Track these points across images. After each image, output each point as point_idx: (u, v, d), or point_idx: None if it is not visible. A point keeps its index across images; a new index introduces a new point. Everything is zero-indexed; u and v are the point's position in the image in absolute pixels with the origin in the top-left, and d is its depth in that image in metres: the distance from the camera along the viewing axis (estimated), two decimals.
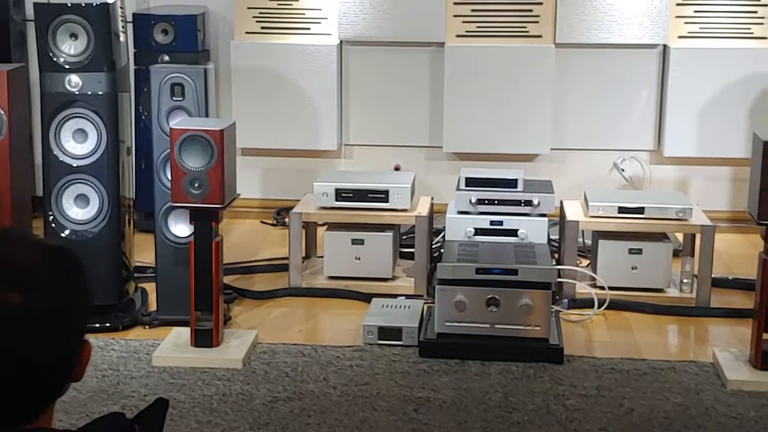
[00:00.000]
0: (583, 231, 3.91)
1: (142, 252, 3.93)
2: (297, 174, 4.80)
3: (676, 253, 3.89)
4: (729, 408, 2.89)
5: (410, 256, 3.96)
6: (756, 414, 2.85)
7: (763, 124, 4.48)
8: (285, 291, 3.86)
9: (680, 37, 4.62)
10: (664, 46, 4.65)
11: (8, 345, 1.13)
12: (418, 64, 4.79)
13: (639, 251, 3.75)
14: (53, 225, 3.43)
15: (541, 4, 4.62)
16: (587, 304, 3.65)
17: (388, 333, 3.33)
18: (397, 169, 4.83)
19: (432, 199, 4.11)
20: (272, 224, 4.82)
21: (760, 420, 2.81)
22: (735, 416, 2.84)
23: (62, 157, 3.41)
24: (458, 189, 3.86)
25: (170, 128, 3.18)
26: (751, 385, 3.01)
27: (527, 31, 4.65)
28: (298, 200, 4.09)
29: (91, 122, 3.40)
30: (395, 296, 3.72)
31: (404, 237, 4.20)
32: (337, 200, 3.89)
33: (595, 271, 3.79)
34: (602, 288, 3.67)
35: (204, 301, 3.17)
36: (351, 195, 3.89)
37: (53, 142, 3.41)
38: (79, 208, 3.44)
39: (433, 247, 4.06)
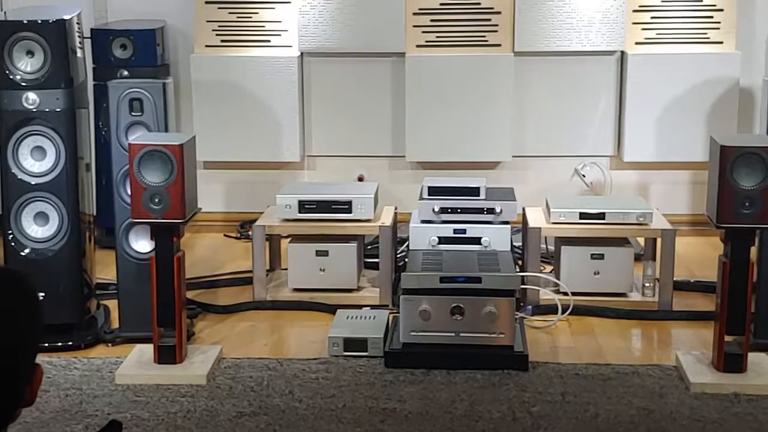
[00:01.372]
0: (545, 237, 3.93)
1: (104, 269, 3.89)
2: (260, 186, 4.79)
3: (637, 258, 3.93)
4: (693, 411, 2.91)
5: (375, 266, 3.96)
6: (719, 416, 2.88)
7: (721, 128, 4.54)
8: (249, 304, 3.85)
9: (637, 43, 4.68)
10: (622, 52, 4.70)
11: None
12: (379, 74, 4.80)
13: (601, 256, 3.78)
14: (13, 243, 3.39)
15: (499, 13, 4.65)
16: (551, 310, 3.67)
17: (354, 344, 3.33)
18: (360, 179, 4.83)
19: (396, 208, 4.12)
20: (236, 237, 4.80)
21: (724, 422, 2.84)
22: (698, 419, 2.86)
23: (21, 175, 3.38)
24: (421, 198, 3.87)
25: (129, 143, 3.15)
26: (714, 387, 3.04)
27: (486, 40, 4.68)
28: (262, 213, 4.08)
29: (50, 139, 3.36)
30: (360, 307, 3.72)
31: (369, 247, 4.20)
32: (300, 212, 3.88)
33: (558, 277, 3.81)
34: (566, 294, 3.70)
35: (166, 317, 3.15)
36: (314, 206, 3.88)
37: (11, 160, 3.37)
38: (39, 226, 3.40)
39: (398, 256, 4.07)
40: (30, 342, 1.22)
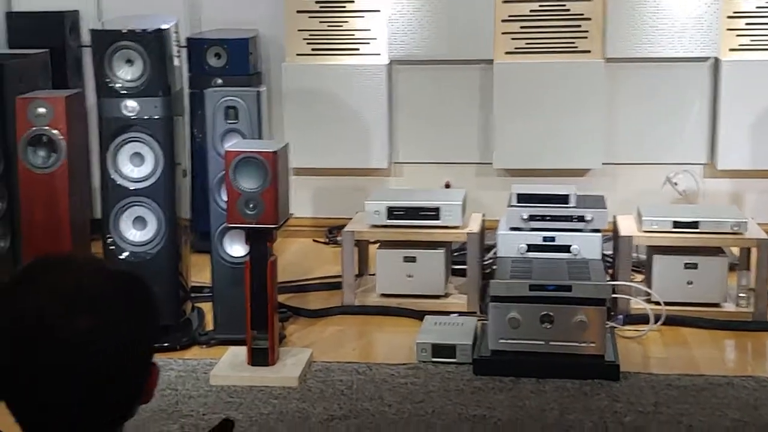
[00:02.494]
0: (637, 246, 3.88)
1: (199, 272, 3.98)
2: (348, 193, 4.84)
3: (731, 267, 3.85)
4: None
5: (462, 273, 3.97)
6: None
7: None
8: (338, 309, 3.89)
9: (732, 49, 4.59)
10: (716, 59, 4.61)
11: (78, 369, 1.16)
12: (467, 81, 4.81)
13: (694, 266, 3.71)
14: (112, 247, 3.49)
15: (589, 19, 4.61)
16: (643, 319, 3.62)
17: (442, 350, 3.33)
18: (447, 186, 4.84)
19: (483, 215, 4.12)
20: (324, 243, 4.85)
21: None
22: None
23: (120, 181, 3.48)
24: (510, 205, 3.86)
25: (225, 150, 3.23)
26: None
27: (576, 47, 4.64)
28: (350, 219, 4.13)
29: (148, 146, 3.46)
30: (448, 313, 3.72)
31: (456, 254, 4.20)
32: (388, 218, 3.91)
33: (649, 287, 3.76)
34: (657, 303, 3.64)
35: (260, 320, 3.21)
36: (402, 213, 3.91)
37: (111, 166, 3.47)
38: (137, 230, 3.50)
39: (485, 263, 4.06)
40: (153, 339, 1.27)
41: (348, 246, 3.92)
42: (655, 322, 3.58)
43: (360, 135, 4.82)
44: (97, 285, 1.21)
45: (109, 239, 3.50)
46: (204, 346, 3.50)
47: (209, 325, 3.63)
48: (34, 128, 3.51)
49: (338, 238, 4.35)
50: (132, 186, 3.48)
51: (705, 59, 4.63)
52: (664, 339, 3.56)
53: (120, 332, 1.19)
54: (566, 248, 3.72)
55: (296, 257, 4.64)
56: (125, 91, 3.44)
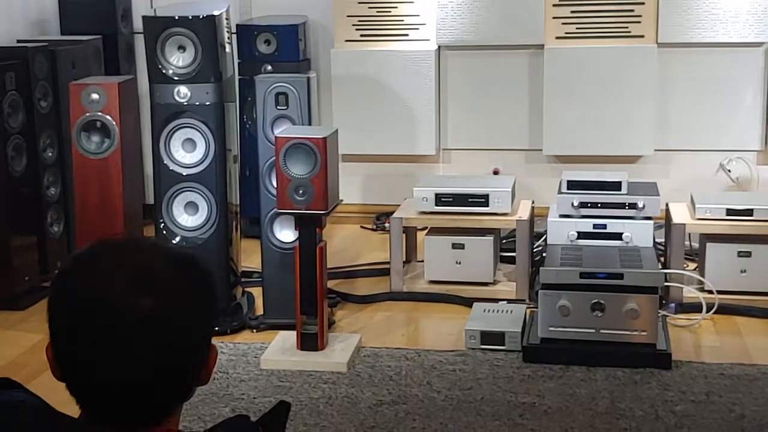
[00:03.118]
0: (689, 234, 3.83)
1: (249, 257, 4.02)
2: (396, 179, 4.84)
3: None
4: None
5: (511, 260, 3.95)
6: None
7: None
8: (386, 295, 3.90)
9: None
10: None
11: (139, 348, 1.17)
12: (517, 67, 4.77)
13: (748, 254, 3.66)
14: (164, 232, 3.53)
15: (642, 3, 4.55)
16: (695, 308, 3.58)
17: (491, 338, 3.33)
18: (495, 173, 4.82)
19: (533, 202, 4.09)
20: (372, 229, 4.86)
21: None
22: None
23: (172, 166, 3.51)
24: (560, 192, 3.83)
25: (275, 137, 3.24)
26: None
27: (629, 32, 4.59)
28: (398, 205, 4.12)
29: (200, 132, 3.49)
30: (497, 301, 3.71)
31: (504, 241, 4.19)
32: (437, 205, 3.90)
33: (702, 275, 3.71)
34: (710, 292, 3.60)
35: (309, 306, 3.23)
36: (451, 199, 3.90)
37: (163, 152, 3.51)
38: (189, 215, 3.53)
39: (534, 251, 4.04)
40: (213, 321, 1.28)
41: (396, 232, 3.92)
42: (708, 310, 3.54)
43: (408, 121, 4.81)
44: (161, 266, 1.22)
45: (162, 224, 3.54)
46: (254, 330, 3.53)
47: (259, 310, 3.66)
48: (87, 114, 3.55)
49: (386, 225, 4.35)
50: (184, 171, 3.51)
51: (759, 44, 4.55)
52: (716, 328, 3.51)
53: (182, 313, 1.20)
54: (617, 236, 3.69)
55: (344, 243, 4.66)
56: (177, 78, 3.47)
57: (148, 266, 1.21)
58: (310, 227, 3.21)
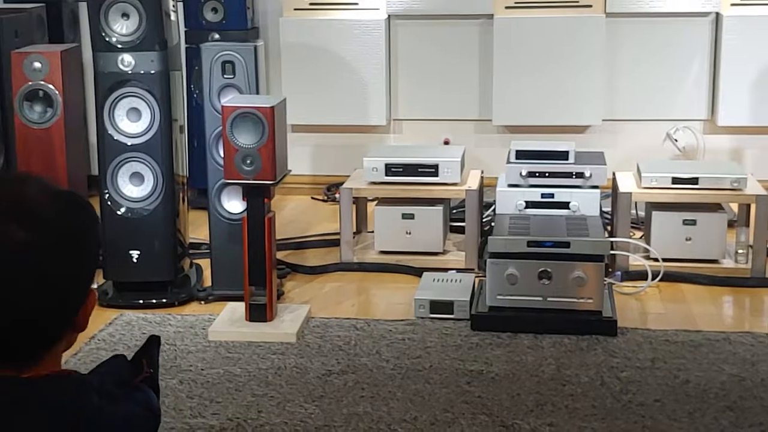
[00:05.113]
0: (636, 203, 3.87)
1: (197, 229, 3.98)
2: (347, 150, 4.82)
3: (730, 224, 3.84)
4: None
5: (461, 230, 3.96)
6: None
7: None
8: (336, 266, 3.89)
9: (733, 4, 4.54)
10: (717, 13, 4.57)
11: (6, 283, 1.14)
12: (466, 36, 4.77)
13: (693, 222, 3.71)
14: (109, 203, 3.48)
15: None
16: (641, 276, 3.62)
17: (440, 307, 3.34)
18: (446, 143, 4.82)
19: (482, 172, 4.11)
20: (323, 200, 4.85)
21: None
22: None
23: (117, 136, 3.46)
24: (509, 162, 3.84)
25: (222, 106, 3.21)
26: None
27: (577, 1, 4.60)
28: (348, 176, 4.11)
29: (145, 101, 3.44)
30: (446, 270, 3.73)
31: (454, 211, 4.20)
32: (387, 175, 3.90)
33: (648, 243, 3.76)
34: (656, 260, 3.64)
35: (258, 277, 3.21)
36: (401, 170, 3.89)
37: (107, 122, 3.45)
38: (134, 186, 3.49)
39: (484, 220, 4.06)
40: (88, 266, 1.26)
41: (346, 203, 3.91)
42: (654, 278, 3.59)
43: (358, 91, 4.79)
44: (40, 202, 1.19)
45: (106, 195, 3.49)
46: (202, 302, 3.51)
47: (207, 282, 3.63)
48: (30, 83, 3.48)
49: (336, 196, 4.34)
50: (129, 141, 3.46)
51: (706, 14, 4.59)
52: (662, 295, 3.56)
53: (55, 249, 1.17)
54: (565, 205, 3.72)
55: (294, 214, 4.64)
56: (121, 46, 3.41)
57: (28, 199, 1.18)
58: (258, 198, 3.19)
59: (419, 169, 3.89)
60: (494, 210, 3.85)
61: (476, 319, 3.26)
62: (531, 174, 3.78)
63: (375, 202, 4.04)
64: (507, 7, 4.65)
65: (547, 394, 2.78)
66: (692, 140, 4.69)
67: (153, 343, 1.40)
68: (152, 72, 3.42)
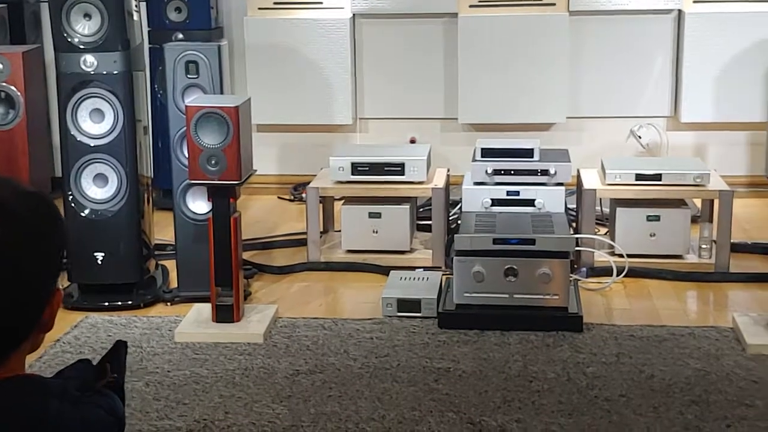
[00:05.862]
0: (600, 199, 3.90)
1: (162, 230, 3.96)
2: (313, 149, 4.81)
3: (694, 219, 3.89)
4: (749, 372, 2.89)
5: (427, 229, 3.97)
6: None
7: None
8: (304, 265, 3.89)
9: (696, 1, 4.59)
10: (679, 11, 4.61)
11: None
12: (431, 35, 4.78)
13: (657, 218, 3.74)
14: (73, 205, 3.45)
15: None
16: (606, 272, 3.65)
17: (407, 305, 3.34)
18: (413, 141, 4.83)
19: (448, 170, 4.12)
20: (289, 200, 4.84)
21: None
22: (755, 380, 2.84)
23: (80, 137, 3.43)
24: (474, 160, 3.86)
25: (185, 106, 3.19)
26: None
27: (540, 0, 4.62)
28: (315, 175, 4.11)
29: (108, 102, 3.41)
30: (413, 269, 3.73)
31: (421, 209, 4.21)
32: (353, 174, 3.90)
33: (613, 239, 3.79)
34: (621, 256, 3.67)
35: (224, 277, 3.20)
36: (367, 168, 3.89)
37: (70, 123, 3.42)
38: (98, 188, 3.46)
39: (450, 218, 4.07)
40: (55, 264, 1.26)
41: (312, 202, 3.90)
42: (618, 274, 3.62)
43: (324, 90, 4.78)
44: (12, 200, 1.20)
45: (70, 197, 3.45)
46: (168, 303, 3.49)
47: (173, 283, 3.61)
48: None
49: (303, 195, 4.33)
50: (92, 143, 3.43)
51: (669, 11, 4.63)
52: (627, 291, 3.60)
53: (18, 247, 1.17)
54: (530, 202, 3.74)
55: (261, 214, 4.62)
56: (83, 46, 3.38)
57: None
58: (223, 198, 3.17)
59: (385, 168, 3.89)
60: (460, 208, 3.86)
61: (443, 316, 3.27)
62: (496, 172, 3.80)
63: (342, 202, 4.04)
64: (471, 6, 4.66)
65: (514, 391, 2.80)
66: (656, 137, 4.73)
67: (119, 348, 1.40)
68: (115, 72, 3.39)
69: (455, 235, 3.38)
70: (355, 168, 3.90)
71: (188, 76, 3.41)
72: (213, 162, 3.12)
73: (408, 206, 3.91)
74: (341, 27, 4.72)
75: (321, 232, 4.01)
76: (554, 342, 3.11)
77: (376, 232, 3.89)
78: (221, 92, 3.42)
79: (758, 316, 3.19)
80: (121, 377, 1.38)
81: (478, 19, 4.65)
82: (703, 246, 3.78)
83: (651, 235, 3.75)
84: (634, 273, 3.66)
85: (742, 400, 2.71)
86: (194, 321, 3.27)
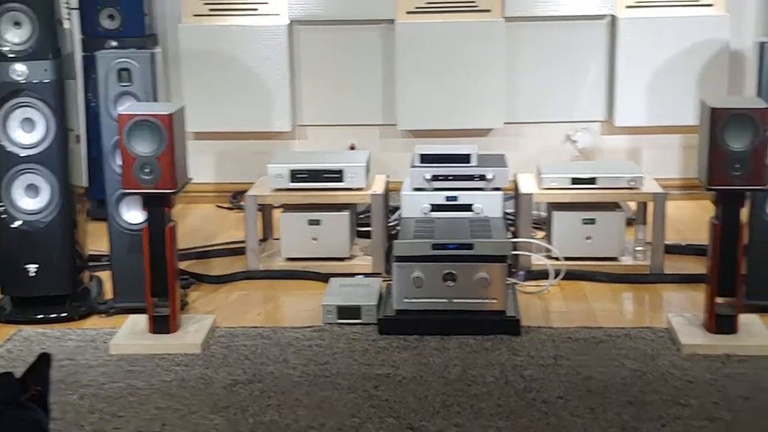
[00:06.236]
0: (537, 203, 3.94)
1: (97, 240, 3.89)
2: (252, 156, 4.78)
3: (629, 222, 3.94)
4: (684, 372, 2.93)
5: (368, 235, 3.97)
6: (711, 377, 2.89)
7: (711, 91, 4.54)
8: (242, 274, 3.85)
9: (628, 6, 4.66)
10: (613, 16, 4.68)
11: None
12: (369, 42, 4.78)
13: (592, 221, 3.79)
14: (4, 216, 3.38)
15: None
16: (543, 275, 3.68)
17: (347, 312, 3.33)
18: (352, 148, 4.82)
19: (388, 176, 4.12)
20: (228, 208, 4.80)
21: (715, 383, 2.86)
22: (690, 380, 2.88)
23: (10, 147, 3.36)
24: (413, 166, 3.86)
25: (118, 114, 3.14)
26: (706, 348, 3.06)
27: (476, 6, 4.66)
28: (254, 183, 4.08)
29: (39, 111, 3.35)
30: (353, 275, 3.72)
31: (361, 216, 4.20)
32: (291, 181, 3.88)
33: (550, 243, 3.82)
34: (558, 259, 3.71)
35: (160, 288, 3.16)
36: (306, 176, 3.88)
37: (1, 132, 3.35)
38: (30, 198, 3.39)
39: (390, 224, 4.07)
40: None
41: (251, 210, 3.88)
42: (555, 277, 3.65)
43: (262, 97, 4.76)
44: None
45: (2, 207, 3.38)
46: (103, 315, 3.43)
47: (108, 294, 3.56)
48: None
49: (242, 203, 4.29)
50: (23, 152, 3.37)
51: (602, 17, 4.70)
52: (564, 293, 3.63)
53: None
54: (469, 207, 3.76)
55: (200, 223, 4.58)
56: (13, 55, 3.32)
57: None
58: (158, 207, 3.13)
59: (324, 175, 3.88)
60: (400, 214, 3.86)
61: (383, 323, 3.27)
62: (435, 177, 3.81)
63: (281, 209, 4.01)
64: (408, 12, 4.68)
65: (453, 395, 2.80)
66: (591, 141, 4.79)
67: (42, 361, 1.37)
68: (46, 81, 3.33)
69: (394, 241, 3.38)
70: (294, 175, 3.88)
71: (121, 83, 3.36)
72: (147, 170, 3.08)
73: (347, 213, 3.90)
74: (278, 33, 4.70)
75: (260, 241, 3.99)
76: (492, 345, 3.13)
77: (316, 239, 3.88)
78: (155, 100, 3.38)
79: (692, 317, 3.25)
80: (45, 390, 1.36)
81: (415, 26, 4.67)
82: (638, 248, 3.83)
83: (587, 238, 3.80)
84: (570, 276, 3.70)
85: (677, 400, 2.75)
86: (130, 332, 3.22)
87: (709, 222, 3.13)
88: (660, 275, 3.74)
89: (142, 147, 3.08)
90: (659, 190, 3.81)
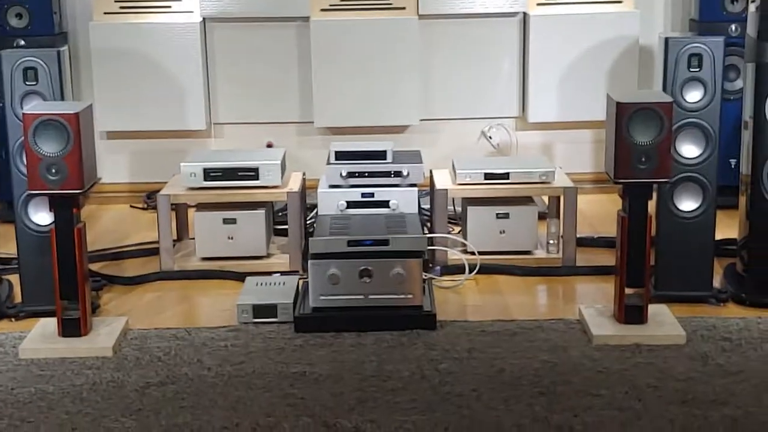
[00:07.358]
0: (452, 199, 3.97)
1: (5, 243, 3.80)
2: (167, 155, 4.71)
3: (542, 216, 4.00)
4: (595, 362, 2.99)
5: (286, 233, 3.95)
6: (621, 367, 2.96)
7: (621, 86, 4.64)
8: (156, 275, 3.80)
9: (539, 4, 4.72)
10: (524, 13, 4.74)
11: None
12: (284, 39, 4.76)
13: (506, 215, 3.84)
14: None
15: None
16: (459, 269, 3.72)
17: (263, 311, 3.32)
18: (269, 146, 4.80)
19: (304, 174, 4.11)
20: (143, 208, 4.73)
21: (625, 372, 2.92)
22: (601, 370, 2.94)
23: None
24: (329, 163, 3.86)
25: (23, 113, 3.07)
26: (616, 339, 3.12)
27: (390, 4, 4.67)
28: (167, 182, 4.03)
29: None
30: (270, 274, 3.71)
31: (279, 214, 4.18)
32: (205, 180, 3.84)
33: (465, 238, 3.86)
34: (473, 253, 3.75)
35: (69, 290, 3.10)
36: (220, 174, 3.85)
37: None
38: None
39: (307, 222, 4.06)
40: None
41: (164, 210, 3.82)
42: (471, 271, 3.69)
43: (175, 96, 4.70)
44: None
45: None
46: (12, 319, 3.35)
47: (18, 298, 3.47)
48: None
49: (155, 203, 4.23)
50: None
51: (514, 14, 4.76)
52: (479, 287, 3.67)
53: None
54: (385, 203, 3.77)
55: (113, 224, 4.50)
56: None
57: None
58: (65, 208, 3.07)
59: (239, 173, 3.85)
60: (317, 212, 3.86)
61: (299, 321, 3.26)
62: (351, 174, 3.81)
63: (195, 209, 3.97)
64: (322, 10, 4.67)
65: (369, 391, 2.81)
66: (506, 137, 4.85)
67: None
68: None
69: (310, 239, 3.37)
70: (208, 174, 3.84)
71: (26, 83, 3.29)
72: (53, 171, 3.02)
73: (263, 211, 3.88)
74: (191, 31, 4.65)
75: (174, 241, 3.94)
76: (409, 341, 3.14)
77: (232, 238, 3.85)
78: (62, 99, 3.32)
79: (603, 308, 3.31)
80: None
81: (330, 23, 4.66)
82: (551, 241, 3.90)
83: (501, 232, 3.84)
84: (485, 270, 3.74)
85: (588, 390, 2.80)
86: (39, 336, 3.15)
87: (617, 215, 3.20)
88: (572, 268, 3.81)
89: (48, 147, 3.01)
90: (570, 184, 3.87)
